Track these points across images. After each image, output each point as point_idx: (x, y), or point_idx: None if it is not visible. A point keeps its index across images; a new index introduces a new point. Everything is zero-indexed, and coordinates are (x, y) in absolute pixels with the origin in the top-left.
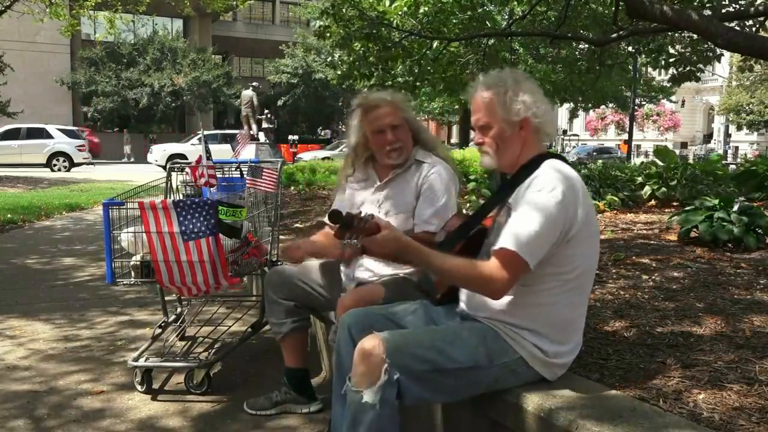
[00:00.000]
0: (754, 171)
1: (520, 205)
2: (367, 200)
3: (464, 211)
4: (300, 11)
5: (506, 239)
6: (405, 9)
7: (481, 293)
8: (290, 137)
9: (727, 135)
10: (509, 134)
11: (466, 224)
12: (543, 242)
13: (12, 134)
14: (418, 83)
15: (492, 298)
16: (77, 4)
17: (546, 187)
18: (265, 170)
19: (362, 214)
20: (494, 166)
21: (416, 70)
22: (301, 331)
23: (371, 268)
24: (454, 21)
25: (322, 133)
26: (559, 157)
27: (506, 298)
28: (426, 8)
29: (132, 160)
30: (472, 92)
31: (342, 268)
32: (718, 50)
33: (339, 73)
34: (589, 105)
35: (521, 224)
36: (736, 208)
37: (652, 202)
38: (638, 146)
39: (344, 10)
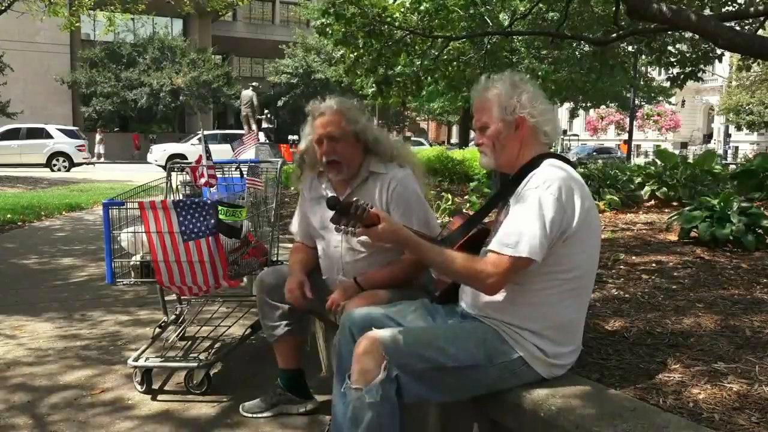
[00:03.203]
0: (754, 171)
1: (518, 202)
2: (326, 219)
3: (464, 211)
4: (300, 11)
5: (503, 235)
6: (407, 6)
7: (475, 287)
8: (290, 137)
9: (727, 135)
10: (506, 134)
11: (467, 223)
12: (541, 236)
13: (12, 134)
14: (421, 79)
15: (486, 293)
16: (76, 2)
17: (543, 184)
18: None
19: (360, 202)
20: (492, 166)
21: (419, 68)
22: (295, 333)
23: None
24: (456, 18)
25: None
26: (560, 157)
27: (506, 298)
28: (427, 5)
29: (102, 160)
30: (474, 95)
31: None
32: (719, 50)
33: (342, 68)
34: (589, 105)
35: (518, 220)
36: (735, 208)
37: (652, 202)
38: (638, 146)
39: (345, 9)
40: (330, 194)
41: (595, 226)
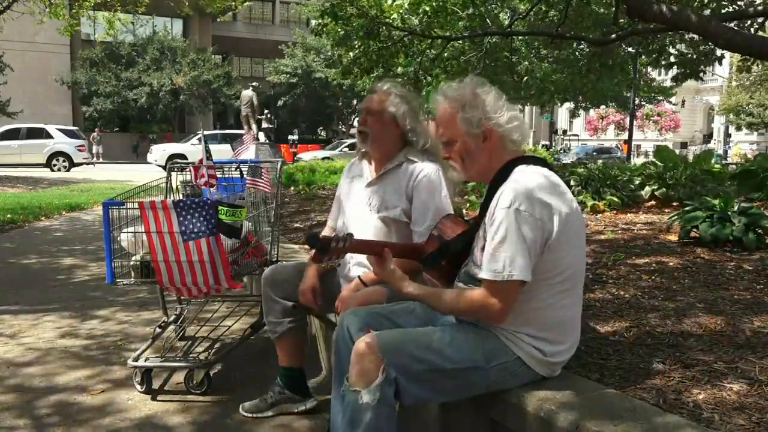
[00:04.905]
0: (754, 171)
1: (493, 224)
2: (358, 196)
3: (463, 211)
4: (301, 9)
5: (489, 263)
6: (406, 7)
7: (484, 320)
8: (290, 137)
9: (727, 135)
10: (473, 147)
11: (460, 236)
12: (525, 258)
13: (12, 134)
14: (419, 80)
15: (496, 323)
16: (77, 3)
17: (514, 202)
18: (263, 170)
19: (340, 235)
20: (462, 180)
21: (417, 67)
22: (298, 331)
23: (365, 264)
24: (455, 18)
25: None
26: (533, 159)
27: None
28: (427, 6)
29: (100, 160)
30: (436, 106)
31: (337, 269)
32: (719, 51)
33: (340, 68)
34: (589, 105)
35: (498, 244)
36: (736, 208)
37: (652, 202)
38: (638, 146)
39: (344, 10)
40: (369, 178)
41: (578, 225)
